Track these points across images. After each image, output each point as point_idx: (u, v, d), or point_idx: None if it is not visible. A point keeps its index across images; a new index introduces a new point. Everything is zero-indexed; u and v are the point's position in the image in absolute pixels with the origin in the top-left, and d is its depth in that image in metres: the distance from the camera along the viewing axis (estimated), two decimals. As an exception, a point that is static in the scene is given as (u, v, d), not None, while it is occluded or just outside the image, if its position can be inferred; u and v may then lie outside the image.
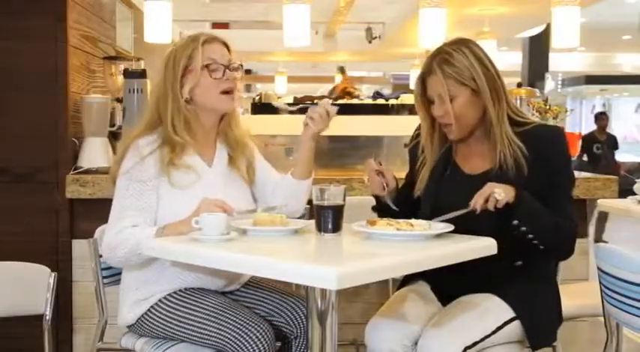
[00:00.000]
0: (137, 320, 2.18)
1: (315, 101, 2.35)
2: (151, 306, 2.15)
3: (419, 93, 2.18)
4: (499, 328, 2.04)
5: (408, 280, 2.32)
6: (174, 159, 2.15)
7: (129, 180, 2.13)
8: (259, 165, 2.36)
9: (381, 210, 2.22)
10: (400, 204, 2.18)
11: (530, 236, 2.04)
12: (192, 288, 2.18)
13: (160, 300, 2.15)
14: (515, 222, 2.00)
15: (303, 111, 2.29)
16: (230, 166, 2.29)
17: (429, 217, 2.06)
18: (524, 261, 2.12)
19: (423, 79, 2.16)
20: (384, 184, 2.17)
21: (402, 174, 2.36)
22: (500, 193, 1.96)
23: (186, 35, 2.28)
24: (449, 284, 2.16)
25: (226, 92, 2.20)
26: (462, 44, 2.13)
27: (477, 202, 1.96)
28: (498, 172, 2.11)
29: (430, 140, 2.22)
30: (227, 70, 2.20)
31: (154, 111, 2.21)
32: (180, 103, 2.17)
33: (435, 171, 2.21)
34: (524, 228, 2.02)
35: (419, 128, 2.33)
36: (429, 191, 2.20)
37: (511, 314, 2.06)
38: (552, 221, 2.05)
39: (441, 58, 2.11)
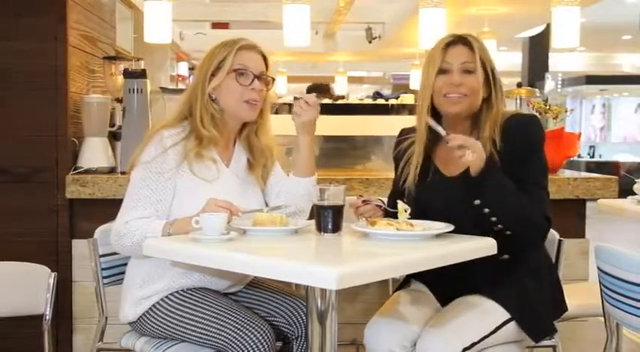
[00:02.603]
0: (139, 318, 2.18)
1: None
2: (153, 305, 2.16)
3: (438, 61, 2.13)
4: (497, 328, 2.04)
5: (406, 281, 2.32)
6: (202, 150, 2.17)
7: (146, 170, 2.14)
8: (273, 173, 2.36)
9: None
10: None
11: (494, 218, 2.02)
12: (195, 288, 2.18)
13: (162, 299, 2.16)
14: (477, 201, 2.00)
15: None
16: (247, 171, 2.30)
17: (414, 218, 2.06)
18: (511, 255, 2.11)
19: (446, 48, 2.15)
20: (376, 205, 2.13)
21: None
22: (471, 157, 1.95)
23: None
24: (444, 284, 2.16)
25: (249, 101, 2.20)
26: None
27: (455, 139, 1.96)
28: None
29: (421, 121, 2.19)
30: (256, 80, 2.20)
31: (184, 104, 2.24)
32: (206, 100, 2.19)
33: (417, 175, 2.20)
34: (486, 210, 2.01)
35: (400, 134, 2.33)
36: (410, 194, 2.20)
37: (507, 315, 2.07)
38: (520, 203, 2.04)
39: (469, 35, 2.15)
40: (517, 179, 2.07)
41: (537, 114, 3.45)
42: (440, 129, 2.03)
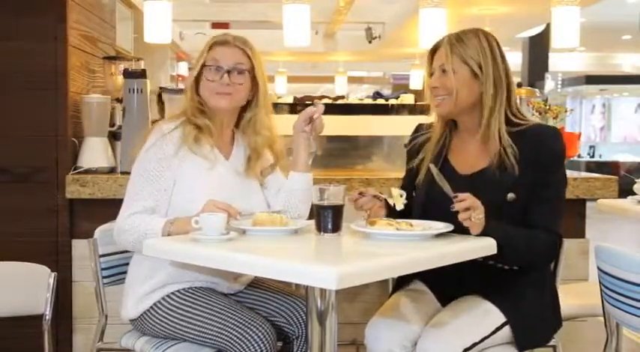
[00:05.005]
0: (140, 316, 2.19)
1: (315, 101, 2.38)
2: (155, 303, 2.17)
3: (427, 66, 2.21)
4: (498, 329, 2.04)
5: (403, 280, 2.31)
6: (199, 134, 2.20)
7: (146, 160, 2.17)
8: (273, 170, 2.38)
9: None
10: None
11: (499, 265, 2.06)
12: (197, 288, 2.19)
13: (163, 298, 2.16)
14: (480, 259, 1.98)
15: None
16: (247, 165, 2.32)
17: (420, 215, 2.06)
18: (509, 269, 2.13)
19: (432, 53, 2.20)
20: (374, 196, 2.13)
21: (401, 174, 2.36)
22: (477, 221, 1.91)
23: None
24: (445, 284, 2.16)
25: (219, 93, 2.23)
26: (480, 30, 2.17)
27: (460, 205, 1.91)
28: (490, 173, 2.10)
29: (437, 123, 2.24)
30: (226, 74, 2.22)
31: (183, 100, 2.30)
32: (193, 94, 2.25)
33: (428, 169, 2.20)
34: (490, 262, 2.04)
35: (416, 130, 2.34)
36: (421, 189, 2.20)
37: (503, 318, 2.06)
38: (524, 243, 2.04)
39: (453, 35, 2.16)
40: (535, 190, 2.07)
41: (537, 114, 3.46)
42: (447, 188, 1.97)
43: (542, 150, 2.10)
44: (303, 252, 1.93)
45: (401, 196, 2.02)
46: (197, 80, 2.25)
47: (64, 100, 3.02)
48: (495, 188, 2.07)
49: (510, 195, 2.07)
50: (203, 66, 2.24)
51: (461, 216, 1.91)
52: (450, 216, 1.98)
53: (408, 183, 2.29)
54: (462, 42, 2.13)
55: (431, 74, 2.19)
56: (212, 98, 2.24)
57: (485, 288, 2.11)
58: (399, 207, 2.05)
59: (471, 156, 2.18)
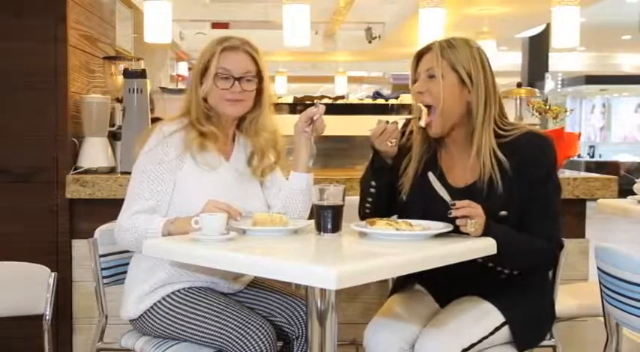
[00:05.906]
0: (140, 316, 2.19)
1: (316, 101, 2.38)
2: (155, 303, 2.17)
3: (412, 72, 2.15)
4: (496, 329, 2.04)
5: (402, 282, 2.31)
6: (204, 141, 2.20)
7: (147, 161, 2.18)
8: (273, 171, 2.37)
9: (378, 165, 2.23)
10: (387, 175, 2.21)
11: (499, 268, 2.06)
12: (196, 288, 2.19)
13: (163, 298, 2.16)
14: (480, 260, 1.97)
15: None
16: (247, 166, 2.32)
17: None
18: (509, 273, 2.12)
19: (418, 58, 2.14)
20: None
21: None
22: (472, 228, 1.90)
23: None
24: (443, 286, 2.16)
25: (229, 100, 2.22)
26: (470, 40, 2.14)
27: (456, 212, 1.90)
28: (481, 186, 2.08)
29: (417, 130, 2.18)
30: (237, 82, 2.21)
31: (184, 103, 2.29)
32: (199, 99, 2.23)
33: (421, 176, 2.15)
34: (490, 264, 2.04)
35: (405, 125, 2.28)
36: (417, 198, 2.16)
37: (502, 318, 2.06)
38: (524, 248, 2.04)
39: (443, 41, 2.11)
40: (530, 202, 2.06)
41: (537, 114, 3.46)
42: (447, 197, 1.95)
43: (532, 162, 2.07)
44: (303, 252, 1.93)
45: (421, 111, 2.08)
46: (201, 84, 2.23)
47: (64, 100, 3.02)
48: (486, 202, 2.01)
49: (502, 213, 2.05)
50: (215, 75, 2.20)
51: (458, 222, 1.91)
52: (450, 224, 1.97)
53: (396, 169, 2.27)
54: (452, 47, 2.08)
55: (415, 80, 2.14)
56: (222, 105, 2.23)
57: (484, 289, 2.11)
58: (422, 123, 2.08)
59: (461, 169, 2.15)
